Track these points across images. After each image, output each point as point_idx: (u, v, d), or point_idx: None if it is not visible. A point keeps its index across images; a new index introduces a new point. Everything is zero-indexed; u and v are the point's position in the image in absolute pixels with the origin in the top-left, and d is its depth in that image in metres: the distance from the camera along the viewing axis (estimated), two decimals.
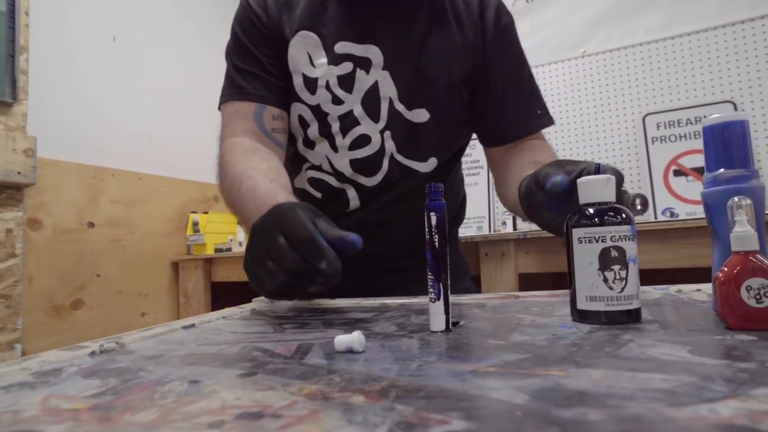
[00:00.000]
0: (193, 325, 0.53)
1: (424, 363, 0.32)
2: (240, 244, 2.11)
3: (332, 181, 0.82)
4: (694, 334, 0.37)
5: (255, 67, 0.81)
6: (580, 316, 0.44)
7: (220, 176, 0.79)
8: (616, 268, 0.42)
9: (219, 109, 0.85)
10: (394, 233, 0.82)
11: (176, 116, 2.23)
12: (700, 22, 1.85)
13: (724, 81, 1.82)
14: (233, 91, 0.82)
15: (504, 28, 0.83)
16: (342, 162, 0.80)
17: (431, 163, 0.82)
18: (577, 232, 0.44)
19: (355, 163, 0.80)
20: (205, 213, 2.23)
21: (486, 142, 0.89)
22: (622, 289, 0.42)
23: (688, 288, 0.62)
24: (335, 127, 0.79)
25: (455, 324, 0.47)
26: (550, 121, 0.87)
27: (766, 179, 1.74)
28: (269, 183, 0.69)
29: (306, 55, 0.78)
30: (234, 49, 0.84)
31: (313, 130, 0.80)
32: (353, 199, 0.81)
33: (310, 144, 0.82)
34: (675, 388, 0.24)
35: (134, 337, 0.46)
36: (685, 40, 1.88)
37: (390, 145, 0.79)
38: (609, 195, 0.44)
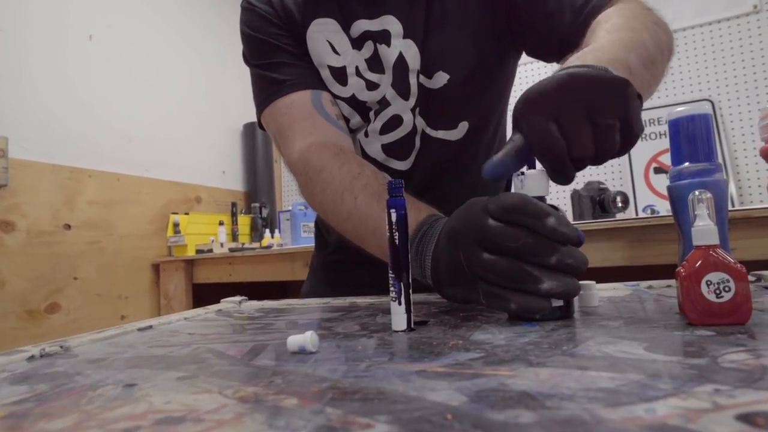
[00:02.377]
0: (150, 327, 0.51)
1: (374, 364, 0.31)
2: (221, 245, 2.09)
3: None
4: (655, 331, 0.36)
5: (287, 58, 0.73)
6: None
7: (312, 187, 0.67)
8: None
9: (260, 122, 0.76)
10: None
11: (156, 117, 2.20)
12: (677, 22, 1.87)
13: (702, 79, 1.83)
14: (274, 89, 0.72)
15: None
16: (374, 147, 0.75)
17: (462, 129, 0.74)
18: None
19: (386, 148, 0.75)
20: (186, 214, 2.20)
21: (556, 53, 0.70)
22: None
23: (659, 284, 0.62)
24: (371, 113, 0.74)
25: (422, 323, 0.46)
26: None
27: (743, 175, 1.75)
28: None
29: (327, 44, 0.72)
30: (254, 51, 0.75)
31: (356, 122, 0.75)
32: None
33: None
34: (619, 387, 0.23)
35: (83, 340, 0.44)
36: None
37: (420, 122, 0.74)
38: (541, 190, 0.43)
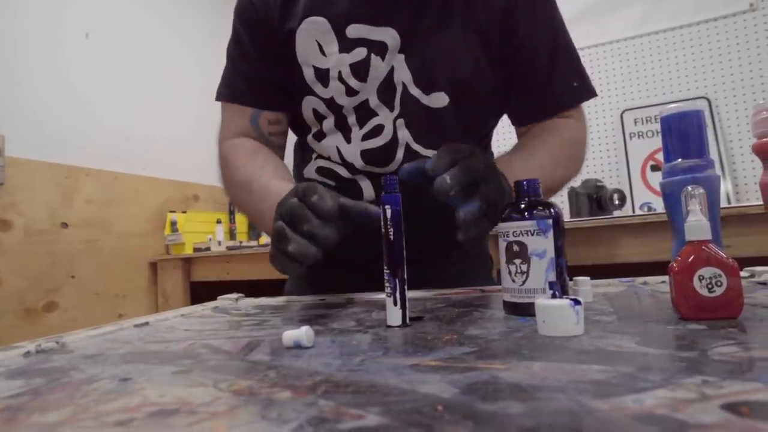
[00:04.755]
0: (146, 323, 0.51)
1: (368, 358, 0.31)
2: (219, 243, 2.09)
3: (342, 171, 0.77)
4: (647, 325, 0.36)
5: (251, 69, 0.78)
6: (503, 306, 0.46)
7: (224, 177, 0.79)
8: (517, 262, 0.43)
9: (215, 99, 0.84)
10: (414, 226, 0.69)
11: (153, 115, 2.20)
12: (675, 19, 1.87)
13: (699, 77, 1.84)
14: (229, 91, 0.80)
15: None
16: (352, 153, 0.75)
17: None
18: (497, 228, 0.46)
19: (366, 154, 0.74)
20: (184, 212, 2.20)
21: (516, 122, 0.81)
22: (523, 282, 0.43)
23: (653, 280, 0.62)
24: (351, 119, 0.74)
25: (417, 319, 0.46)
26: (586, 95, 0.77)
27: (739, 173, 1.76)
28: (281, 181, 0.69)
29: (315, 44, 0.72)
30: (233, 43, 0.80)
31: (329, 123, 0.76)
32: (366, 189, 0.76)
33: (321, 136, 0.77)
34: (609, 379, 0.23)
35: (80, 336, 0.44)
36: (661, 37, 1.90)
37: (404, 134, 0.73)
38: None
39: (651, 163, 1.85)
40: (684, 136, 0.44)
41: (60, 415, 0.23)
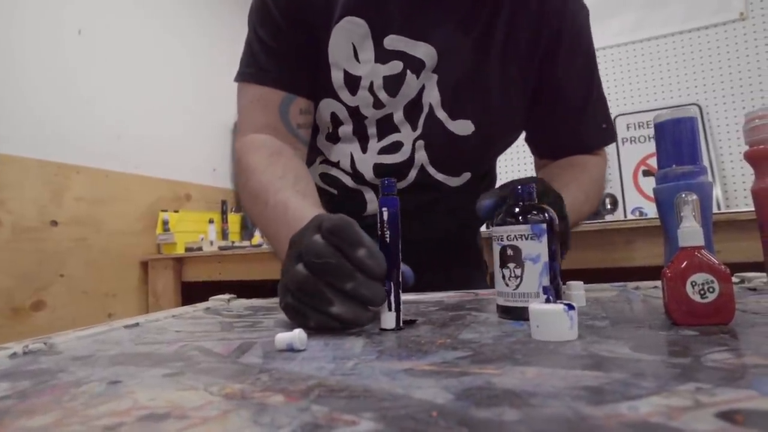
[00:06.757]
0: (137, 324, 0.51)
1: (361, 362, 0.31)
2: (211, 243, 2.08)
3: (348, 180, 0.75)
4: (640, 331, 0.36)
5: (284, 47, 0.69)
6: (497, 310, 0.46)
7: (239, 178, 0.72)
8: (511, 266, 0.43)
9: (235, 80, 0.74)
10: (413, 245, 0.64)
11: (146, 114, 2.18)
12: (667, 26, 1.89)
13: (690, 84, 1.86)
14: (256, 71, 0.70)
15: (582, 22, 0.73)
16: (366, 165, 0.73)
17: (464, 178, 0.75)
18: (491, 232, 0.46)
19: (378, 168, 0.72)
20: (176, 212, 2.18)
21: (538, 153, 0.81)
22: (517, 286, 0.43)
23: (645, 285, 0.63)
24: (372, 130, 0.71)
25: (411, 322, 0.46)
26: (611, 138, 0.79)
27: (728, 179, 1.78)
28: (301, 200, 0.62)
29: (350, 46, 0.67)
30: (261, 19, 0.70)
31: (347, 130, 0.72)
32: (371, 202, 0.74)
33: (334, 139, 0.74)
34: (603, 386, 0.23)
35: (68, 337, 0.43)
36: (653, 44, 1.92)
37: (421, 156, 0.72)
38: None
39: (643, 168, 1.87)
40: (678, 142, 0.44)
41: (47, 419, 0.22)
